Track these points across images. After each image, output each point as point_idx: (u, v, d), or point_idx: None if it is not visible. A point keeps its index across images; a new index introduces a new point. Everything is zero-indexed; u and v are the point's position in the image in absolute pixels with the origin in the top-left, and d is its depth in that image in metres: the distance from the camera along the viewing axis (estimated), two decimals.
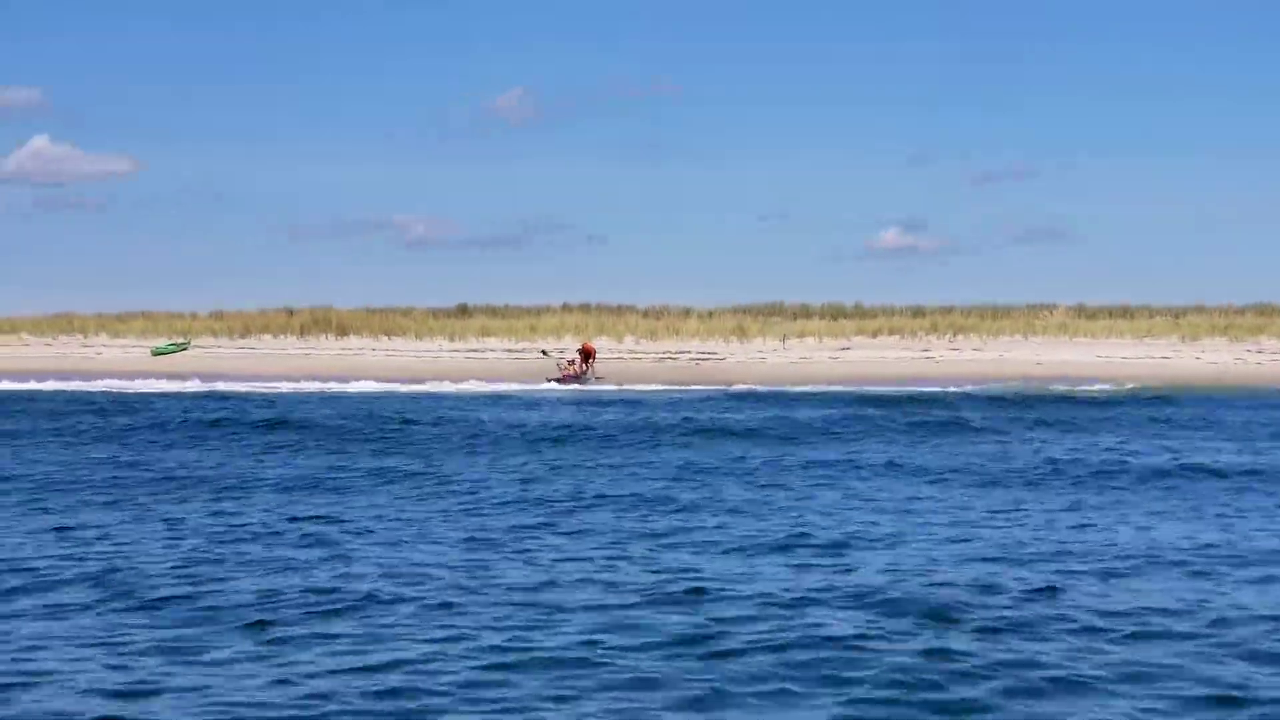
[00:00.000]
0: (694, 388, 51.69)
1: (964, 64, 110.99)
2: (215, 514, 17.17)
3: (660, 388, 52.37)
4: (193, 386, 50.39)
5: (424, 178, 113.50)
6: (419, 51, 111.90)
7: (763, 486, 20.64)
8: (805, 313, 72.73)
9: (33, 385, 50.61)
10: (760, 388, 51.28)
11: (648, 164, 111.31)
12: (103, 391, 47.05)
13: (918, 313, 70.53)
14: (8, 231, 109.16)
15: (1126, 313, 68.77)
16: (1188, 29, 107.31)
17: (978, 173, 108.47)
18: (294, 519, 16.64)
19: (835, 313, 72.19)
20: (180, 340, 68.17)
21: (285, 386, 51.47)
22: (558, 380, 54.83)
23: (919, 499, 19.21)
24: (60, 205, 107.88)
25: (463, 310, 73.03)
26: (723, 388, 51.21)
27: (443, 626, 10.92)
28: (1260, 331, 63.85)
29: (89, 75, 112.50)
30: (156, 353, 65.93)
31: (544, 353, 60.24)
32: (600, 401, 43.03)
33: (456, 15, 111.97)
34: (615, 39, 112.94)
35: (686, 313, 72.35)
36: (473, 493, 19.68)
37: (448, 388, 51.97)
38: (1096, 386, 50.77)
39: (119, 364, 62.82)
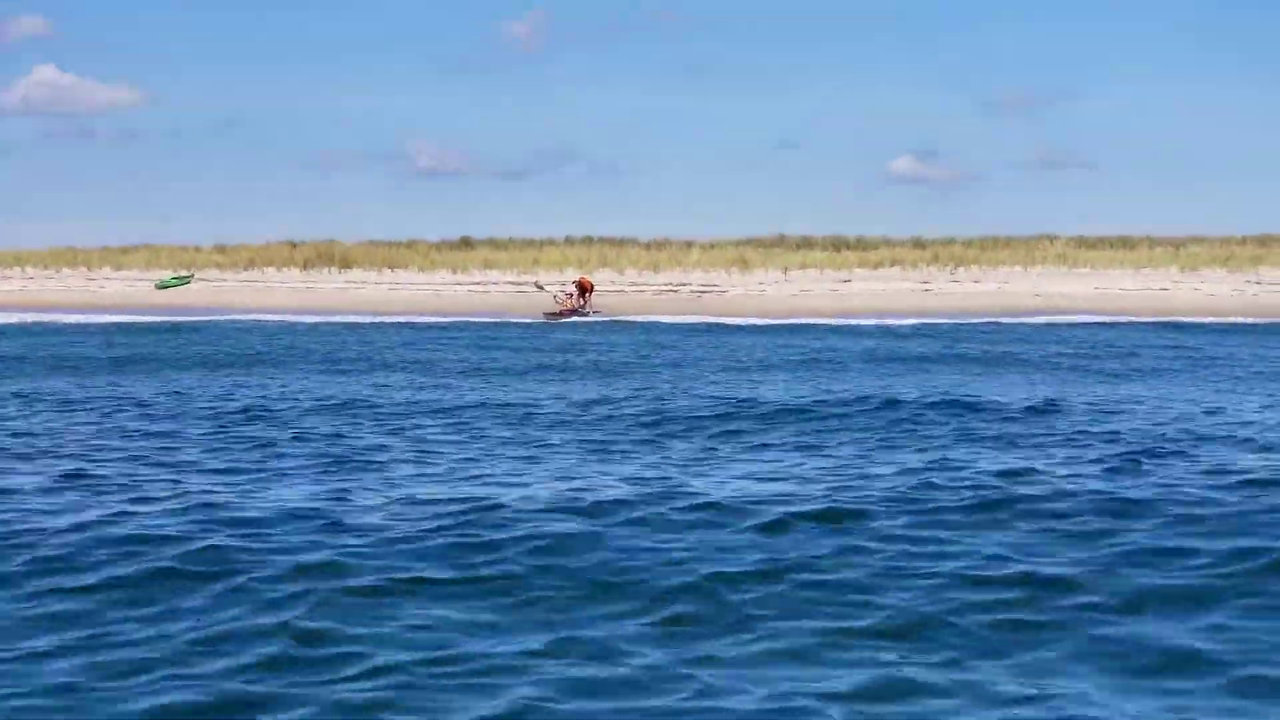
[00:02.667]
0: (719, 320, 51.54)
1: None
2: None
3: (670, 319, 52.26)
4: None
5: (434, 106, 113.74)
6: None
7: None
8: (808, 244, 72.92)
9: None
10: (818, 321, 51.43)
11: (663, 92, 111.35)
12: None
13: (919, 244, 70.68)
14: (11, 162, 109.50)
15: (1127, 243, 68.78)
16: None
17: (991, 100, 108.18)
18: None
19: (838, 244, 72.38)
20: (184, 274, 68.63)
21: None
22: (554, 315, 54.52)
23: None
24: (66, 135, 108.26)
25: (465, 243, 73.34)
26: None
27: None
28: (1260, 262, 63.77)
29: (95, 3, 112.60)
30: (161, 286, 66.37)
31: (538, 286, 59.96)
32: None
33: None
34: None
35: (688, 245, 72.51)
36: None
37: None
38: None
39: (123, 298, 63.38)
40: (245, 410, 20.06)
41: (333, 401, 21.61)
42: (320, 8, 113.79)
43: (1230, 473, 12.82)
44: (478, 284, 66.62)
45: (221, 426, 18.06)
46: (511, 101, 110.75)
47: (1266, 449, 15.15)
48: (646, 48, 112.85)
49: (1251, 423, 18.04)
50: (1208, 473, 12.91)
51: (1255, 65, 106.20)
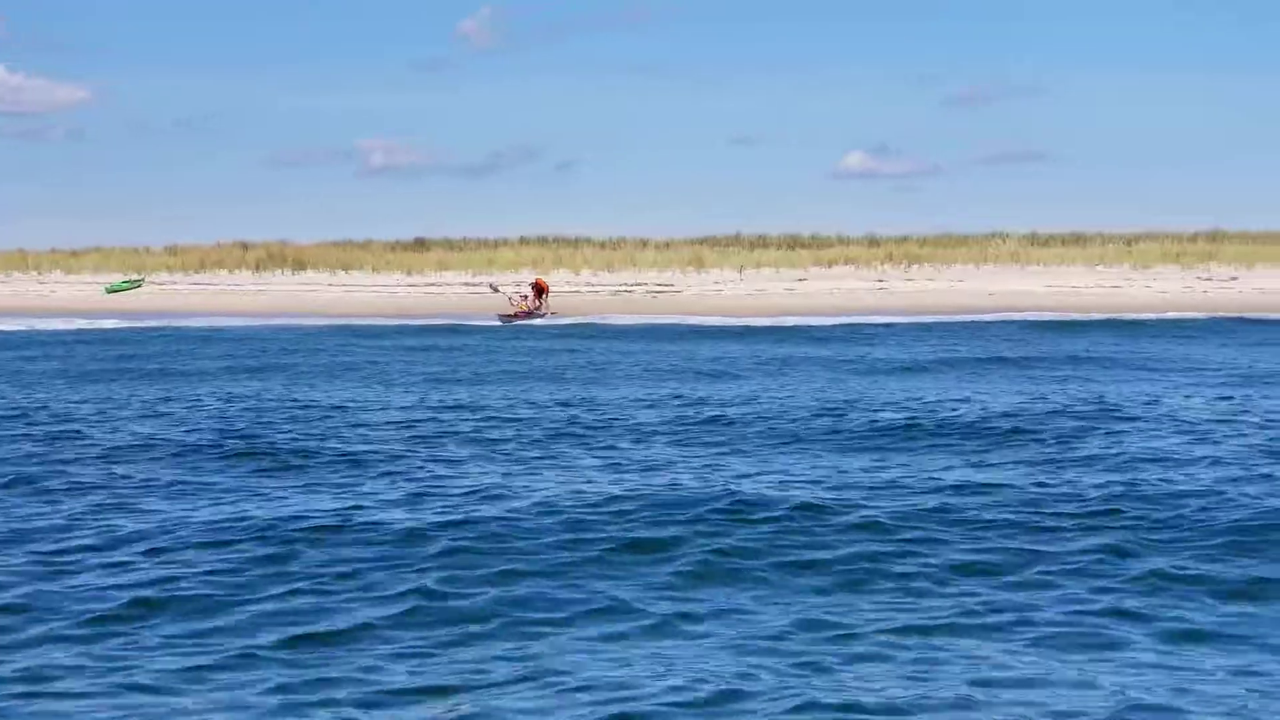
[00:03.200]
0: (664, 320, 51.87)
1: None
2: None
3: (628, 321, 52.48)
4: None
5: (387, 105, 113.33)
6: None
7: None
8: (763, 243, 73.08)
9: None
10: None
11: (619, 88, 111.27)
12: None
13: (874, 242, 71.02)
14: None
15: (1079, 240, 69.34)
16: None
17: (943, 96, 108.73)
18: None
19: (792, 243, 72.60)
20: (135, 277, 68.01)
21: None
22: (509, 317, 54.35)
23: None
24: (15, 135, 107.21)
25: (420, 244, 73.07)
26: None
27: None
28: (1210, 258, 64.41)
29: (46, 2, 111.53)
30: (111, 290, 65.67)
31: (493, 287, 59.52)
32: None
33: None
34: None
35: (644, 244, 72.55)
36: None
37: None
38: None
39: (76, 302, 62.74)
40: (236, 439, 19.88)
41: (327, 421, 21.44)
42: (272, 7, 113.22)
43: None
44: (433, 285, 66.39)
45: (221, 456, 17.91)
46: (464, 100, 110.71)
47: None
48: (599, 45, 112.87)
49: None
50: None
51: (1207, 61, 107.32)
